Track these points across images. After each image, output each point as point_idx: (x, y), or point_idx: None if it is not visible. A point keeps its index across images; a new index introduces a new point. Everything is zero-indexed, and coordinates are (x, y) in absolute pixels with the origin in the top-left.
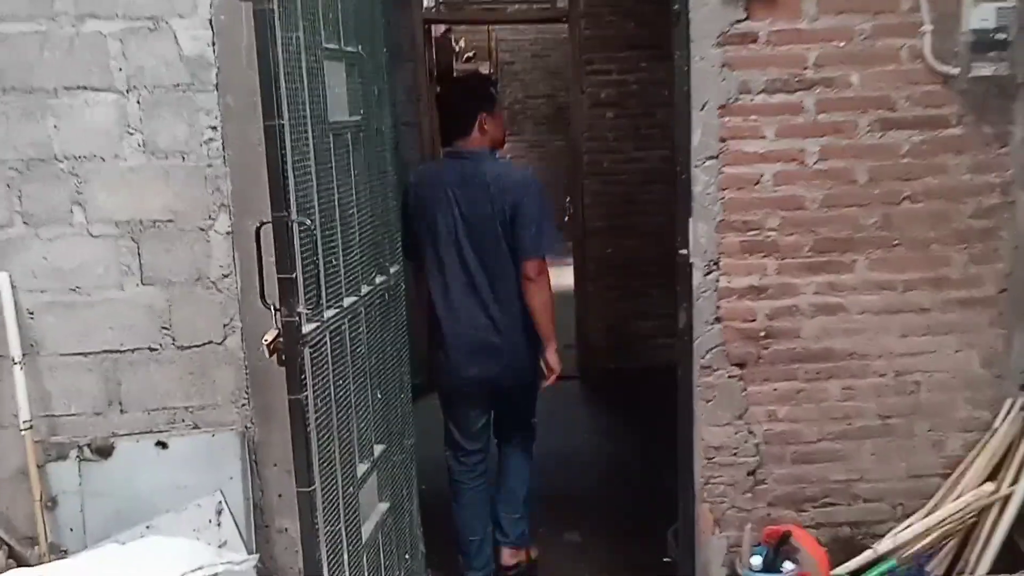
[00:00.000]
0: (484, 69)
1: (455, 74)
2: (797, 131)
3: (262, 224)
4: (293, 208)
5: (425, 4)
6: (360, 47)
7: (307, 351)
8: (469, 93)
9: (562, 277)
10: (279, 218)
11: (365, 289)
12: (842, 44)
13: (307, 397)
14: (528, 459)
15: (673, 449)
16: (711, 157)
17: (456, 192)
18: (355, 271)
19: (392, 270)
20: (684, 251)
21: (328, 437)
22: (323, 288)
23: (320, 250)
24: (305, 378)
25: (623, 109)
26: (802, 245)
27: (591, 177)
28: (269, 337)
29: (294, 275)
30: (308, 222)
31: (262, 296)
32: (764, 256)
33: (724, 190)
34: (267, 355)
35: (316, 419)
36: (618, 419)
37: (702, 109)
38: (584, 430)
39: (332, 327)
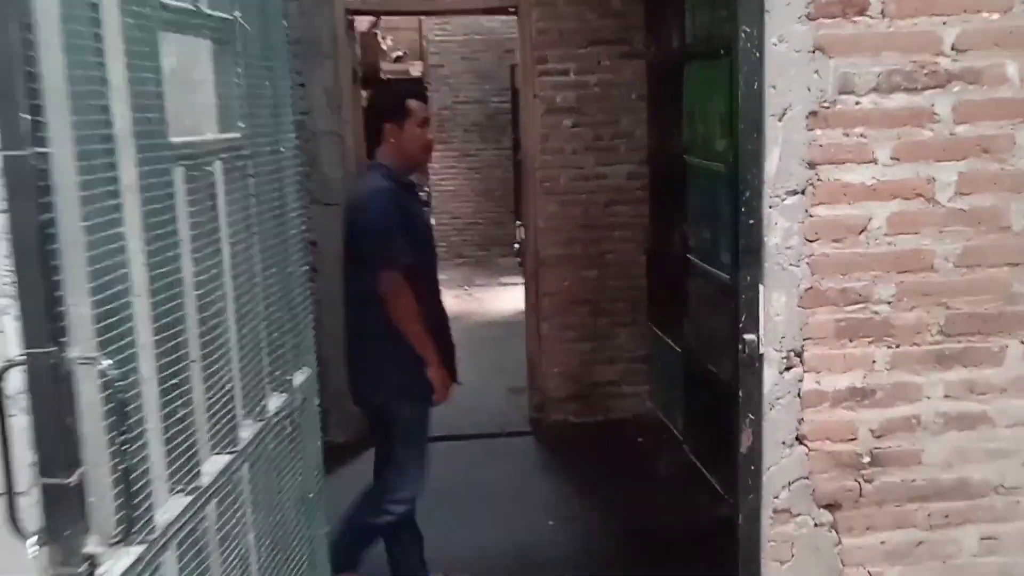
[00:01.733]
0: (415, 70)
1: (382, 75)
2: (925, 151)
3: (7, 367)
4: (77, 334)
5: None
6: (238, 12)
7: None
8: (374, 102)
9: (510, 302)
10: (39, 359)
11: (249, 432)
12: (995, 17)
13: None
14: (369, 514)
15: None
16: (794, 192)
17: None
18: (229, 409)
19: (299, 380)
20: (751, 336)
21: None
22: (154, 478)
23: (155, 407)
24: None
25: (583, 116)
26: (928, 325)
27: (545, 196)
28: None
29: (71, 479)
30: (105, 364)
31: (12, 519)
32: (871, 342)
33: (813, 242)
34: None
35: None
36: (587, 494)
37: (782, 118)
38: (544, 510)
39: (181, 536)
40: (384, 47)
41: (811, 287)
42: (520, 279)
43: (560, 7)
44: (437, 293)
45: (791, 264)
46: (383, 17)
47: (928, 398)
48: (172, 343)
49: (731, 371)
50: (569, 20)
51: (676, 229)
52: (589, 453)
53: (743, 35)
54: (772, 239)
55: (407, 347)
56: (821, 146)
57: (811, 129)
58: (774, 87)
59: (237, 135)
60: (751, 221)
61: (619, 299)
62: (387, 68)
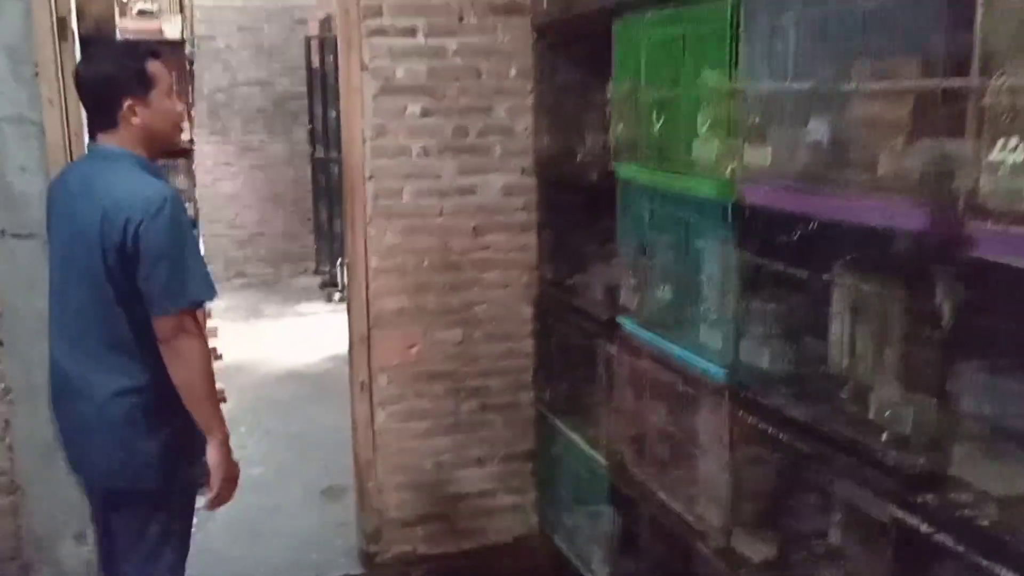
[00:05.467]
0: (172, 29)
1: (118, 35)
2: None
3: None
4: None
5: None
6: None
7: None
8: (102, 70)
9: (312, 341)
10: None
11: None
12: None
13: None
14: None
15: None
16: None
17: (71, 208)
18: None
19: None
20: None
21: None
22: None
23: None
24: None
25: (438, 99)
26: None
27: (381, 221)
28: None
29: None
30: None
31: None
32: None
33: None
34: None
35: None
36: None
37: None
38: None
39: None
40: None
41: None
42: (324, 305)
43: None
44: None
45: None
46: None
47: None
48: None
49: (720, 518)
50: None
51: (592, 275)
52: None
53: None
54: None
55: (179, 416)
56: None
57: None
58: None
59: None
60: None
61: (493, 372)
62: (129, 26)
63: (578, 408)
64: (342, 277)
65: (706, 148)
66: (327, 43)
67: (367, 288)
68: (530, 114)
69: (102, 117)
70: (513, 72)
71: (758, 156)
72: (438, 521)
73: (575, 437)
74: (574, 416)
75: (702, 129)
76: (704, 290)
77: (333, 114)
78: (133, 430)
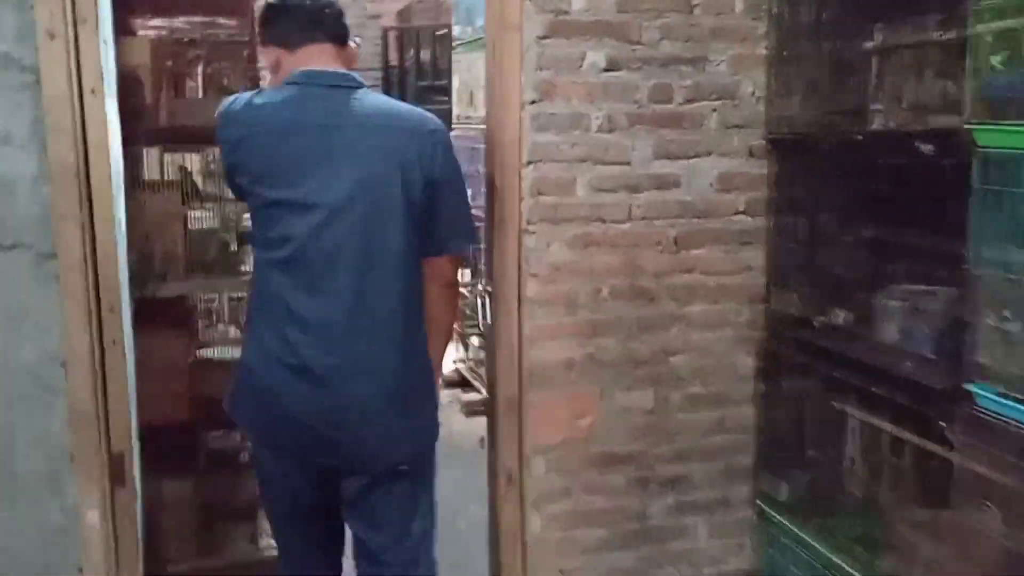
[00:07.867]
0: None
1: None
2: None
3: None
4: None
5: None
6: None
7: None
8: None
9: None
10: None
11: None
12: None
13: None
14: None
15: None
16: None
17: (330, 139)
18: None
19: None
20: None
21: None
22: None
23: None
24: None
25: (629, 45)
26: None
27: (543, 227)
28: None
29: None
30: None
31: None
32: None
33: None
34: None
35: None
36: None
37: None
38: None
39: None
40: None
41: None
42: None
43: None
44: None
45: None
46: None
47: None
48: None
49: None
50: None
51: (880, 312)
52: None
53: None
54: None
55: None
56: None
57: None
58: None
59: None
60: None
61: (697, 454)
62: None
63: (835, 513)
64: (482, 310)
65: None
66: (407, 35)
67: (520, 329)
68: (763, 67)
69: (335, 32)
70: (739, 6)
71: None
72: None
73: (837, 560)
74: (828, 525)
75: None
76: None
77: None
78: (418, 394)
